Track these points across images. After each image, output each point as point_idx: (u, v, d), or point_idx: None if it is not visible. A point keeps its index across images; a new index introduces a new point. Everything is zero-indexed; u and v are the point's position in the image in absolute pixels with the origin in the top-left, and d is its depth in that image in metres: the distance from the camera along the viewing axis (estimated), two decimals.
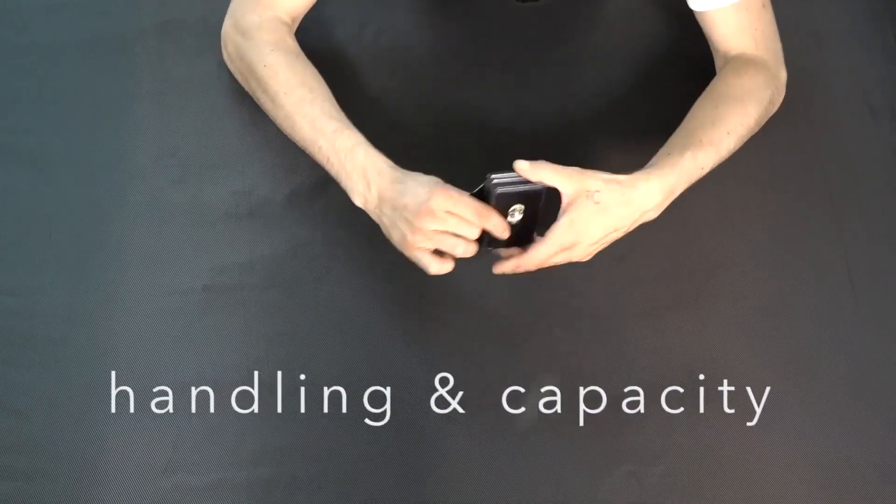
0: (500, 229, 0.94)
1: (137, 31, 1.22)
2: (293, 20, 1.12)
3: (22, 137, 1.15)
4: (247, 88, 1.11)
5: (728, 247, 1.09)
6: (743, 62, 1.10)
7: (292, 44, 1.09)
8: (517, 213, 0.95)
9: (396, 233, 0.97)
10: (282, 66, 1.06)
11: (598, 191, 0.94)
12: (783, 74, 1.12)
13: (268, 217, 1.10)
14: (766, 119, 1.10)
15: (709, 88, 1.09)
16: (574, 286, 1.06)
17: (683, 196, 1.08)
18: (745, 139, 1.07)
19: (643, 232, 1.09)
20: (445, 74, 1.18)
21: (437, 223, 0.93)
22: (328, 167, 1.02)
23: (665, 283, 1.07)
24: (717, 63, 1.13)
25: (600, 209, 0.94)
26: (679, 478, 0.97)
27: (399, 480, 0.96)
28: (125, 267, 1.07)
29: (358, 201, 1.00)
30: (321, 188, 1.11)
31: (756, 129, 1.09)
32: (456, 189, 0.94)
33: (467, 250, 0.95)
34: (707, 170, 1.03)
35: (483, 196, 0.94)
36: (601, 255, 1.07)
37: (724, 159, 1.05)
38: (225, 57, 1.14)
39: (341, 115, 1.03)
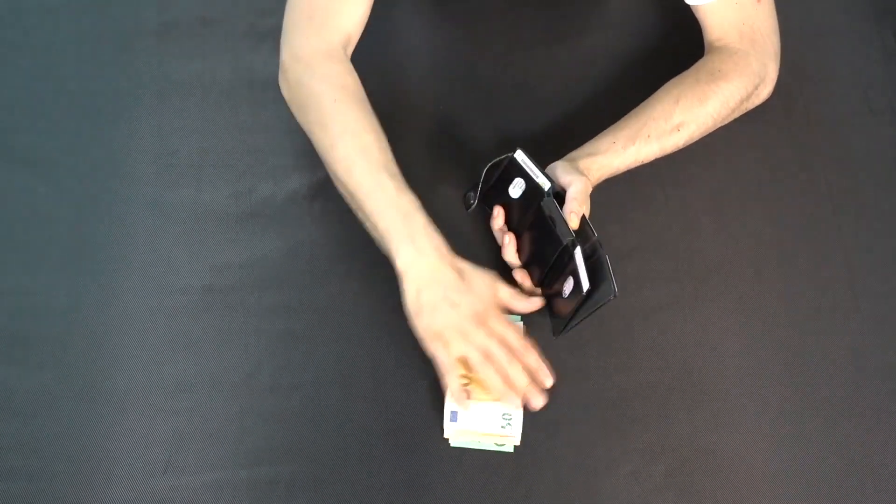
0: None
1: (137, 31, 1.22)
2: (350, 43, 1.07)
3: (22, 137, 1.15)
4: (302, 121, 1.05)
5: (728, 247, 1.09)
6: (724, 56, 1.09)
7: (357, 80, 1.04)
8: (518, 188, 1.02)
9: (440, 317, 0.95)
10: (352, 106, 1.01)
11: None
12: (772, 69, 1.11)
13: (268, 217, 1.10)
14: (735, 114, 1.11)
15: (682, 74, 1.09)
16: None
17: (684, 196, 1.09)
18: (700, 135, 1.08)
19: (643, 232, 1.09)
20: (445, 72, 1.18)
21: (489, 330, 0.95)
22: (375, 220, 0.97)
23: (665, 283, 1.07)
24: (705, 48, 1.13)
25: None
26: (679, 478, 0.97)
27: (399, 480, 0.96)
28: (125, 267, 1.07)
29: (400, 263, 0.96)
30: (321, 188, 1.11)
31: (718, 125, 1.09)
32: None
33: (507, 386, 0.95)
34: (647, 161, 1.06)
35: (501, 168, 1.02)
36: None
37: (668, 152, 1.07)
38: (283, 87, 1.07)
39: (401, 176, 0.99)
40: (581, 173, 1.01)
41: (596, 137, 1.06)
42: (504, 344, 0.95)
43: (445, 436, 0.97)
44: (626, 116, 1.07)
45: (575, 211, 0.97)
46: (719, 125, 1.09)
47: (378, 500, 0.95)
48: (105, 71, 1.20)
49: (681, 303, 1.06)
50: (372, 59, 1.13)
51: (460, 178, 1.11)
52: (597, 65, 1.20)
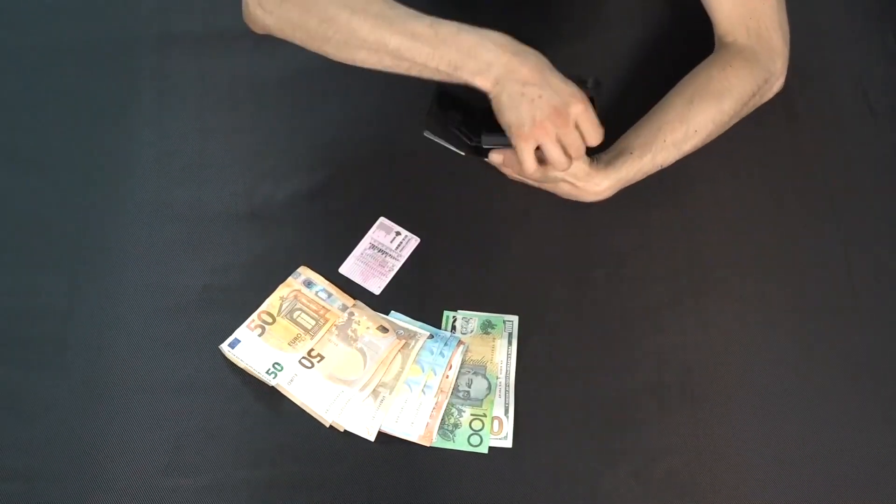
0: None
1: (137, 31, 1.23)
2: None
3: (22, 137, 1.15)
4: (299, 34, 1.01)
5: (728, 247, 1.09)
6: (733, 52, 1.10)
7: None
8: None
9: (525, 111, 0.94)
10: None
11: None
12: (780, 64, 1.11)
13: (268, 217, 1.10)
14: (747, 111, 1.11)
15: (691, 75, 1.10)
16: (575, 286, 1.06)
17: (684, 196, 1.09)
18: (714, 136, 1.09)
19: (643, 232, 1.09)
20: None
21: (545, 138, 0.95)
22: (437, 65, 0.95)
23: (665, 283, 1.07)
24: (715, 44, 1.14)
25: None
26: (679, 478, 0.97)
27: (399, 480, 0.96)
28: (125, 267, 1.07)
29: (480, 81, 0.94)
30: (321, 188, 1.12)
31: (731, 124, 1.10)
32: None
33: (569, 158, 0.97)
34: (666, 166, 1.07)
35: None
36: (602, 256, 1.08)
37: (687, 154, 1.08)
38: (258, 14, 1.03)
39: (427, 16, 0.97)
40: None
41: (611, 148, 1.06)
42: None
43: (222, 348, 1.01)
44: (641, 121, 1.07)
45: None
46: (733, 122, 1.10)
47: (378, 501, 0.95)
48: (105, 71, 1.20)
49: (681, 303, 1.06)
50: None
51: (460, 178, 1.11)
52: (598, 63, 1.20)
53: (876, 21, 1.25)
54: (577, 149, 0.96)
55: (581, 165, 1.02)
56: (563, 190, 1.06)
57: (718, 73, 1.08)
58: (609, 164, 1.05)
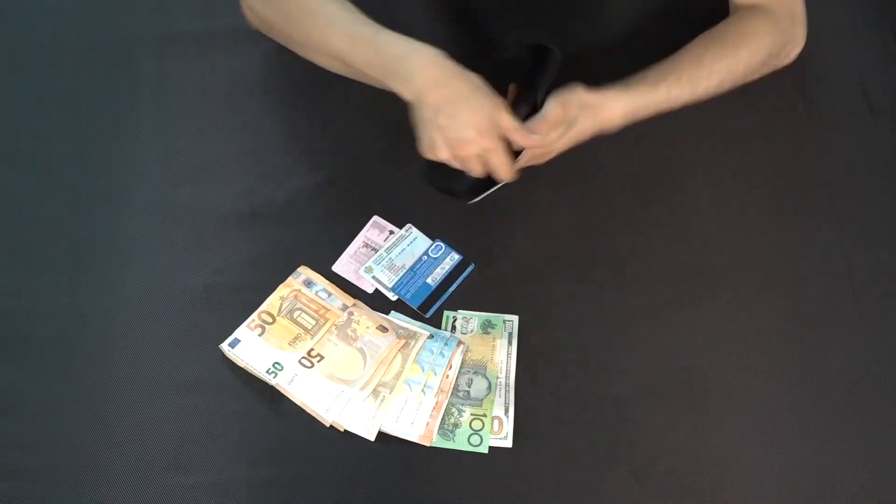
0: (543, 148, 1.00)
1: (138, 32, 1.23)
2: None
3: (22, 137, 1.15)
4: (274, 33, 1.10)
5: (728, 247, 1.09)
6: (750, 10, 1.11)
7: None
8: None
9: (427, 132, 0.98)
10: None
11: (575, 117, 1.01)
12: (800, 32, 1.13)
13: (268, 217, 1.10)
14: (764, 69, 1.12)
15: (708, 31, 1.11)
16: (575, 286, 1.06)
17: (684, 196, 1.08)
18: (731, 84, 1.10)
19: (643, 232, 1.09)
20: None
21: (459, 160, 0.99)
22: (370, 71, 1.00)
23: (665, 283, 1.07)
24: (731, 12, 1.14)
25: (569, 125, 1.01)
26: (679, 478, 0.97)
27: (400, 480, 0.96)
28: (125, 267, 1.07)
29: (404, 92, 0.98)
30: (321, 188, 1.12)
31: (748, 77, 1.11)
32: (500, 138, 0.97)
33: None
34: (678, 104, 1.07)
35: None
36: (602, 256, 1.08)
37: (700, 98, 1.08)
38: (247, 13, 1.12)
39: (374, 24, 1.01)
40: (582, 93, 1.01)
41: (624, 80, 1.06)
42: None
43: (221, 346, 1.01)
44: (655, 64, 1.08)
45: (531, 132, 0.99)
46: (749, 77, 1.11)
47: (378, 501, 0.95)
48: (105, 71, 1.20)
49: (681, 303, 1.06)
50: None
51: None
52: (597, 62, 1.20)
53: (876, 21, 1.25)
54: (492, 169, 0.99)
55: (574, 106, 1.00)
56: (583, 131, 1.02)
57: (735, 25, 1.10)
58: (623, 90, 1.03)
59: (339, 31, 1.01)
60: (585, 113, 1.01)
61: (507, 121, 0.98)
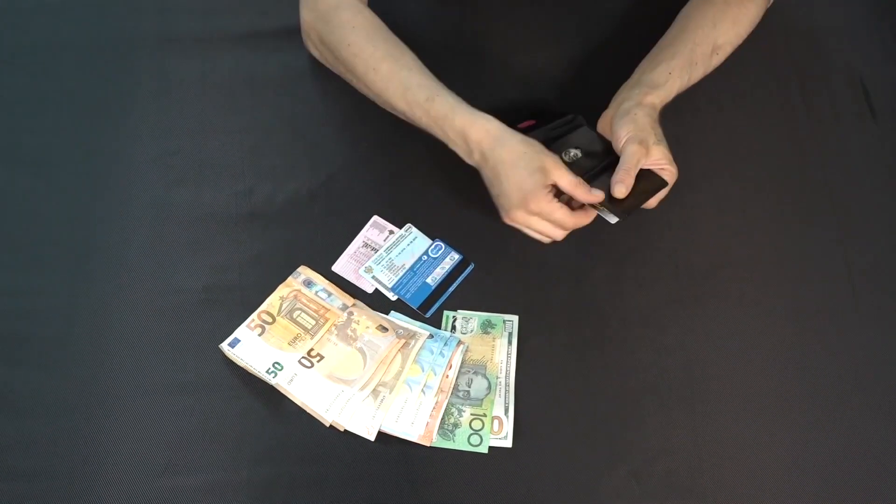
0: (586, 221, 1.03)
1: (137, 31, 1.23)
2: None
3: (22, 137, 1.15)
4: (338, 74, 1.13)
5: (728, 247, 1.09)
6: None
7: (370, 17, 1.08)
8: (572, 153, 1.04)
9: (494, 200, 1.03)
10: (363, 43, 1.06)
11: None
12: None
13: (268, 217, 1.10)
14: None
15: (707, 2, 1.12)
16: (575, 286, 1.06)
17: (684, 196, 1.08)
18: (739, 42, 1.14)
19: (643, 232, 1.09)
20: (446, 68, 1.18)
21: (525, 222, 1.01)
22: (433, 133, 1.04)
23: (665, 283, 1.07)
24: None
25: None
26: (679, 478, 0.97)
27: (399, 480, 0.96)
28: (125, 266, 1.07)
29: (469, 162, 1.03)
30: (321, 188, 1.12)
31: (754, 25, 1.14)
32: (548, 199, 0.99)
33: (555, 239, 1.03)
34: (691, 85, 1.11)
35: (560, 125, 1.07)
36: (602, 256, 1.08)
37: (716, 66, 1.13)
38: (310, 48, 1.15)
39: (431, 81, 1.04)
40: (646, 120, 1.02)
41: (647, 67, 1.08)
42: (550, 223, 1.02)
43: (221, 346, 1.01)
44: (670, 41, 1.10)
45: (618, 181, 0.99)
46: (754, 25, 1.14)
47: (378, 501, 0.95)
48: (105, 71, 1.20)
49: (681, 303, 1.06)
50: None
51: (461, 178, 1.11)
52: (598, 60, 1.20)
53: (876, 21, 1.25)
54: (558, 226, 1.01)
55: (631, 157, 1.00)
56: (671, 175, 1.03)
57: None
58: (651, 90, 1.05)
59: (397, 93, 1.04)
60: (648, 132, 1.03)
61: (564, 178, 0.99)
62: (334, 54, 1.09)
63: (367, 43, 1.06)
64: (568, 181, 0.99)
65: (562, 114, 1.10)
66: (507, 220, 1.02)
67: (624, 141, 1.01)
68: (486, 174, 1.02)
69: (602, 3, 1.25)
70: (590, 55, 1.21)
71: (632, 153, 1.00)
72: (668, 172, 1.02)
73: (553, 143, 1.05)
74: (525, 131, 1.06)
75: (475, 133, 1.01)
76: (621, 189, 0.99)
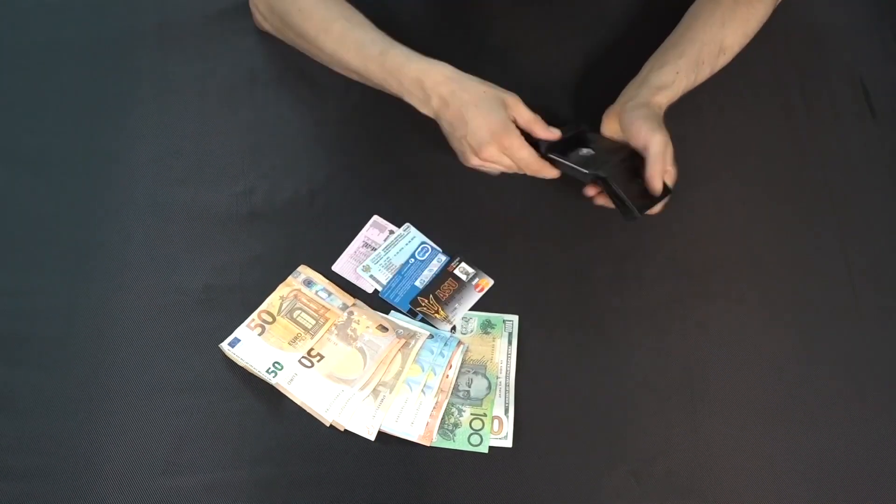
0: (548, 177, 1.04)
1: (137, 31, 1.23)
2: None
3: (22, 137, 1.15)
4: (287, 41, 1.14)
5: (728, 246, 1.09)
6: None
7: None
8: (584, 152, 1.05)
9: (455, 144, 1.04)
10: (314, 7, 1.08)
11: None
12: None
13: (268, 217, 1.10)
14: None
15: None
16: (575, 286, 1.06)
17: (684, 196, 1.08)
18: (748, 39, 1.14)
19: (644, 232, 1.09)
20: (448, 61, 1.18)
21: (490, 163, 1.03)
22: (388, 89, 1.06)
23: (665, 283, 1.07)
24: None
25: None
26: (679, 478, 0.97)
27: (399, 480, 0.96)
28: (125, 266, 1.07)
29: (425, 111, 1.04)
30: (321, 188, 1.12)
31: (763, 22, 1.14)
32: (517, 138, 1.01)
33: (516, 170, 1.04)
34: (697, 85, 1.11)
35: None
36: (602, 256, 1.08)
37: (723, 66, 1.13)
38: (258, 19, 1.16)
39: (383, 37, 1.06)
40: (658, 117, 1.03)
41: (655, 65, 1.08)
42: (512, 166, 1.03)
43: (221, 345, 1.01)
44: (677, 39, 1.10)
45: (656, 174, 1.00)
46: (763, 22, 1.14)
47: (378, 500, 0.95)
48: (105, 71, 1.20)
49: (681, 303, 1.06)
50: None
51: (461, 178, 1.11)
52: (598, 60, 1.20)
53: (876, 21, 1.25)
54: (521, 167, 1.03)
55: (658, 146, 1.00)
56: (670, 177, 1.04)
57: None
58: (660, 90, 1.06)
59: (350, 51, 1.06)
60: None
61: (523, 114, 1.02)
62: (283, 20, 1.11)
63: (319, 5, 1.08)
64: (526, 117, 1.02)
65: (567, 122, 1.09)
66: (475, 160, 1.03)
67: (649, 134, 1.00)
68: (448, 118, 1.02)
69: (603, 3, 1.25)
70: (591, 55, 1.21)
71: (664, 144, 1.00)
72: (670, 175, 1.02)
73: (563, 149, 1.04)
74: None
75: (431, 79, 1.02)
76: (658, 183, 1.01)
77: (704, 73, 1.10)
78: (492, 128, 1.00)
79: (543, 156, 1.04)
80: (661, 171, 1.00)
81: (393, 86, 1.05)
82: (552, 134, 1.03)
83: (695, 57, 1.08)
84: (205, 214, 1.10)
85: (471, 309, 1.05)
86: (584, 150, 1.05)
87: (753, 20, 1.12)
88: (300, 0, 1.09)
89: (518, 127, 1.02)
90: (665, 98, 1.05)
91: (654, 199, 1.02)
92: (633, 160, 1.02)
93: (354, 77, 1.10)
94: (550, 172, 1.04)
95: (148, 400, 0.99)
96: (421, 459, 0.97)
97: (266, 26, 1.16)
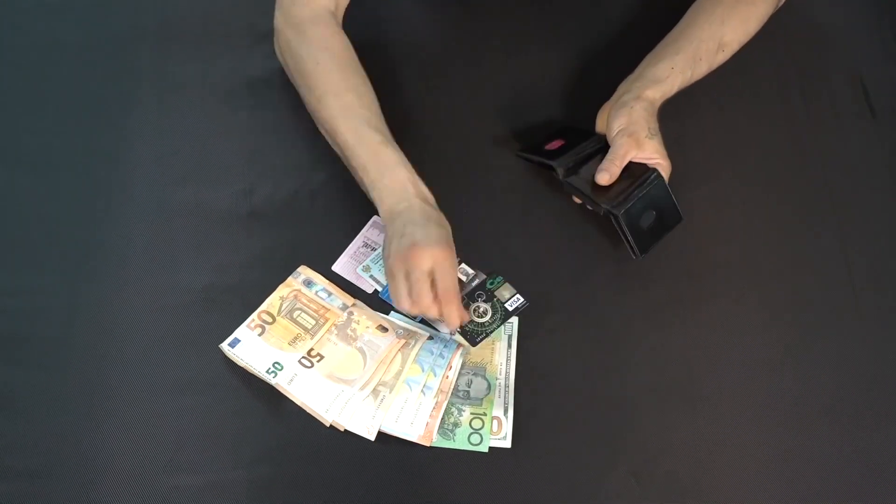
0: (452, 324, 0.98)
1: (137, 31, 1.23)
2: (338, 8, 1.12)
3: (22, 137, 1.15)
4: (293, 82, 1.12)
5: (728, 246, 1.09)
6: None
7: (344, 42, 1.09)
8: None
9: (391, 247, 0.98)
10: (333, 67, 1.07)
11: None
12: None
13: (268, 217, 1.10)
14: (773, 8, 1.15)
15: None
16: (575, 286, 1.06)
17: (684, 196, 1.08)
18: (746, 40, 1.13)
19: None
20: (444, 67, 1.18)
21: (415, 268, 0.96)
22: (361, 174, 1.02)
23: (665, 283, 1.07)
24: None
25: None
26: (679, 478, 0.97)
27: (399, 480, 0.96)
28: (125, 266, 1.07)
29: (382, 210, 1.01)
30: (321, 188, 1.12)
31: (763, 23, 1.14)
32: (455, 261, 0.97)
33: (414, 309, 0.98)
34: (695, 81, 1.10)
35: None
36: (602, 256, 1.08)
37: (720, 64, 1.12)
38: (276, 49, 1.14)
39: (385, 129, 1.04)
40: (637, 115, 1.03)
41: (651, 61, 1.08)
42: (432, 283, 0.97)
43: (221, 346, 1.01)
44: (676, 36, 1.10)
45: (606, 170, 1.01)
46: (763, 23, 1.14)
47: (378, 501, 0.95)
48: (105, 71, 1.20)
49: (681, 303, 1.06)
50: (372, 57, 1.12)
51: (461, 178, 1.12)
52: (599, 59, 1.20)
53: (876, 21, 1.25)
54: (441, 292, 0.97)
55: (617, 150, 1.02)
56: (664, 169, 1.05)
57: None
58: (654, 84, 1.05)
59: (348, 125, 1.03)
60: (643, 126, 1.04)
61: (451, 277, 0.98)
62: (297, 65, 1.09)
63: (336, 69, 1.07)
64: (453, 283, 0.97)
65: (589, 133, 1.09)
66: (395, 259, 0.97)
67: (615, 133, 1.02)
68: (401, 222, 0.98)
69: (602, 5, 1.25)
70: (590, 56, 1.21)
71: (620, 145, 1.01)
72: (661, 167, 1.03)
73: (581, 165, 1.05)
74: (555, 153, 1.06)
75: (418, 190, 1.00)
76: (605, 177, 1.01)
77: (702, 69, 1.09)
78: (443, 238, 0.97)
79: (561, 180, 1.05)
80: (609, 168, 1.01)
81: (370, 174, 1.01)
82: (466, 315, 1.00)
83: (692, 53, 1.08)
84: (205, 214, 1.10)
85: None
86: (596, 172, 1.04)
87: (754, 19, 1.12)
88: (321, 54, 1.07)
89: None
90: (658, 93, 1.05)
91: (657, 238, 1.04)
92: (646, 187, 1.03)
93: (333, 146, 1.07)
94: (454, 318, 0.98)
95: (148, 400, 0.99)
96: (421, 459, 0.97)
97: (279, 56, 1.14)
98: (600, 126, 1.07)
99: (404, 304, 0.97)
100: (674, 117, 1.08)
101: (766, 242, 1.10)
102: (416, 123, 1.11)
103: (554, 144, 1.09)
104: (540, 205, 1.11)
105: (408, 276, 0.96)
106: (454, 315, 0.97)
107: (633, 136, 1.01)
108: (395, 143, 1.03)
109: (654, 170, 1.03)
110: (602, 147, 1.06)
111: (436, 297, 0.96)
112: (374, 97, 1.06)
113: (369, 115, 1.04)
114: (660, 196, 1.04)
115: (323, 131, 1.08)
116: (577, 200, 1.08)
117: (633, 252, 1.04)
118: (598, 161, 1.04)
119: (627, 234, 1.03)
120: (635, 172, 1.03)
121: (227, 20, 1.23)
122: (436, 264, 0.96)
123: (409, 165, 1.02)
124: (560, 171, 1.05)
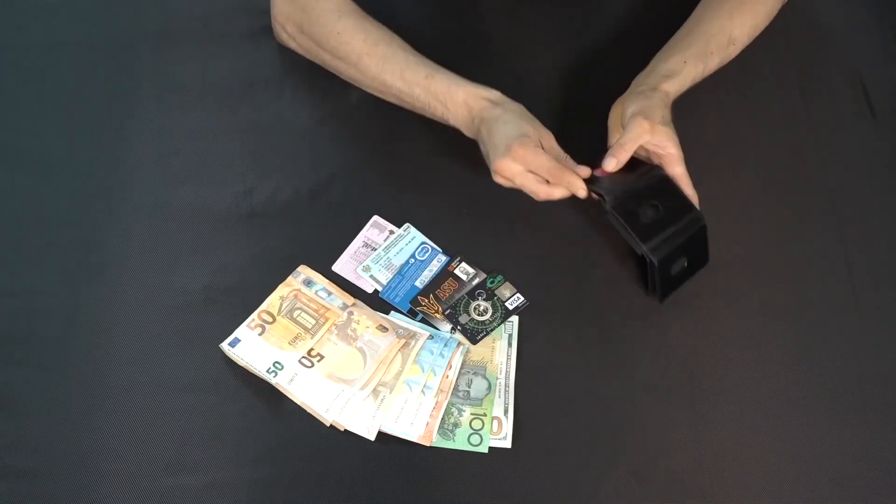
0: (577, 188, 0.99)
1: (138, 31, 1.23)
2: None
3: (22, 137, 1.15)
4: (318, 62, 1.14)
5: (728, 247, 1.09)
6: None
7: (351, 3, 1.10)
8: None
9: (487, 158, 1.02)
10: (354, 29, 1.08)
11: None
12: None
13: (268, 217, 1.10)
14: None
15: None
16: (575, 286, 1.06)
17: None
18: (756, 33, 1.14)
19: None
20: (450, 60, 1.18)
21: (508, 178, 1.00)
22: (431, 112, 1.06)
23: None
24: None
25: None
26: (679, 478, 0.97)
27: (399, 480, 0.96)
28: (125, 266, 1.07)
29: (469, 134, 1.05)
30: (321, 188, 1.12)
31: (771, 17, 1.15)
32: (532, 147, 0.98)
33: (549, 195, 1.00)
34: (706, 76, 1.10)
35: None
36: (602, 256, 1.08)
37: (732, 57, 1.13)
38: (283, 37, 1.15)
39: (426, 61, 1.06)
40: (654, 101, 1.03)
41: (662, 56, 1.08)
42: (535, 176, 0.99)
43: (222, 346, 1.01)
44: (686, 31, 1.11)
45: (614, 156, 1.00)
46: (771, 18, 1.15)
47: (378, 500, 0.95)
48: (105, 71, 1.20)
49: (681, 302, 1.06)
50: None
51: (461, 178, 1.11)
52: (599, 59, 1.20)
53: (876, 21, 1.25)
54: (538, 186, 0.99)
55: (630, 132, 1.00)
56: (674, 159, 1.03)
57: None
58: (668, 78, 1.05)
59: (394, 74, 1.06)
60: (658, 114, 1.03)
61: (551, 144, 1.01)
62: (318, 43, 1.11)
63: (358, 29, 1.08)
64: (551, 143, 1.01)
65: (641, 162, 1.05)
66: (495, 176, 1.01)
67: (629, 117, 1.01)
68: (483, 137, 1.02)
69: (604, 4, 1.25)
70: (592, 57, 1.21)
71: (632, 127, 1.00)
72: (671, 156, 1.01)
73: (634, 196, 1.01)
74: (604, 180, 1.02)
75: (478, 102, 1.03)
76: (612, 163, 1.00)
77: (713, 63, 1.10)
78: (509, 139, 0.99)
79: (609, 211, 1.00)
80: (617, 153, 1.00)
81: (437, 109, 1.05)
82: (582, 170, 1.00)
83: (703, 47, 1.08)
84: (205, 214, 1.10)
85: None
86: (651, 210, 1.01)
87: (762, 12, 1.13)
88: (337, 24, 1.09)
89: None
90: (672, 86, 1.05)
91: (680, 283, 1.04)
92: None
93: (393, 100, 1.09)
94: (573, 180, 0.99)
95: (148, 400, 0.99)
96: (421, 459, 0.97)
97: (291, 44, 1.15)
98: (612, 120, 1.06)
99: (541, 197, 1.00)
100: (674, 117, 1.07)
101: (766, 242, 1.10)
102: (415, 123, 1.11)
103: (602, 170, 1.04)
104: (540, 204, 1.11)
105: (516, 183, 1.00)
106: (573, 184, 0.99)
107: (647, 120, 1.00)
108: (438, 67, 1.06)
109: (701, 217, 1.02)
110: (654, 184, 1.02)
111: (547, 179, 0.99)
112: (400, 38, 1.08)
113: (405, 55, 1.07)
114: (698, 241, 1.03)
115: (375, 92, 1.10)
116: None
117: (657, 296, 1.03)
118: (649, 197, 1.01)
119: (658, 281, 1.02)
120: (679, 212, 1.01)
121: (227, 20, 1.23)
122: (521, 162, 0.98)
123: (460, 81, 1.04)
124: (608, 201, 1.01)
